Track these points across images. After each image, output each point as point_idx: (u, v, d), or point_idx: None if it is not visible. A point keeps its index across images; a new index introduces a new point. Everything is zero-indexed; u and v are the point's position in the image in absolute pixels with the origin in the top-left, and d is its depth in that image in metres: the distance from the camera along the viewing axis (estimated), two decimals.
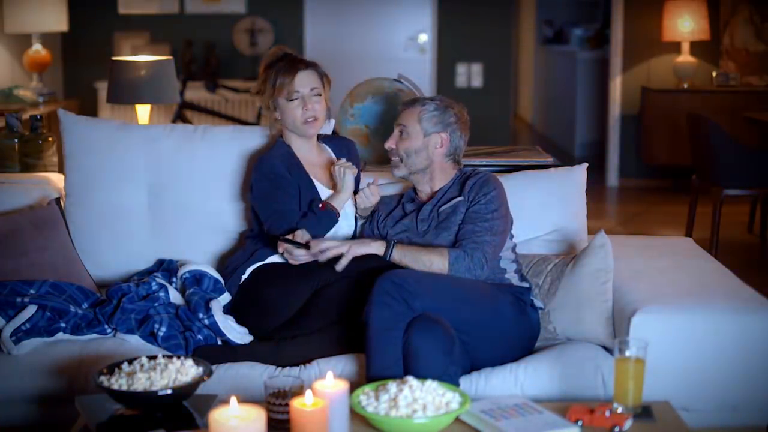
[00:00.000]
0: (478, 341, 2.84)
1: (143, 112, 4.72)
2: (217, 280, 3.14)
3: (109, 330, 2.98)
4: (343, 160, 3.22)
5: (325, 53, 7.97)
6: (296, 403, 2.16)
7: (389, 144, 3.15)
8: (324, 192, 3.20)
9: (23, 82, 7.09)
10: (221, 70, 8.17)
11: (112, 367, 2.47)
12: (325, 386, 2.24)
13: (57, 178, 3.60)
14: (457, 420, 2.40)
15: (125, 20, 8.24)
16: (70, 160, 3.43)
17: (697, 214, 6.05)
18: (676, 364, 2.77)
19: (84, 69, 8.15)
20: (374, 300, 2.71)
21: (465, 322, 2.80)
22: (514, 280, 3.04)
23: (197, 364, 2.48)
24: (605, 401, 2.62)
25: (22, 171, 3.93)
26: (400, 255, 2.93)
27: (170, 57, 4.60)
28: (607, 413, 2.35)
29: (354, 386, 2.47)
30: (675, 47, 7.94)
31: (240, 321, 3.03)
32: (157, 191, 3.41)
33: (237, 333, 2.96)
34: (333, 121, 3.44)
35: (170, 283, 3.18)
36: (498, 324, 2.88)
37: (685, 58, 7.79)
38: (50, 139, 3.99)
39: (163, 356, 2.49)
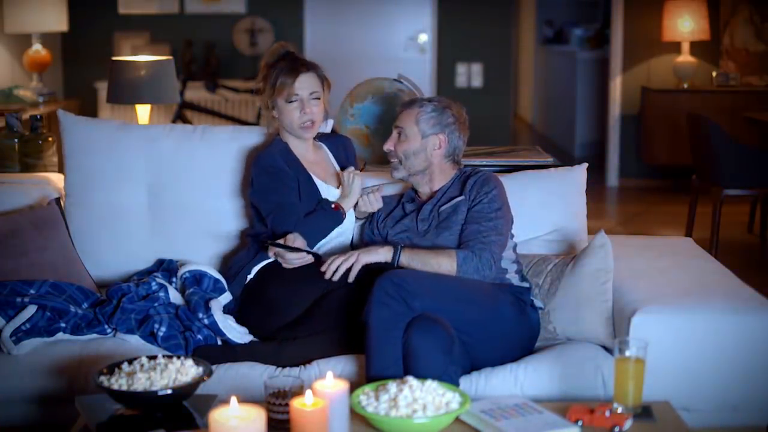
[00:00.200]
0: (478, 341, 2.84)
1: (143, 112, 4.72)
2: (217, 280, 3.14)
3: (109, 330, 2.98)
4: (352, 168, 3.25)
5: (325, 53, 7.96)
6: (296, 403, 2.16)
7: (388, 146, 3.15)
8: (322, 187, 3.20)
9: (23, 82, 7.09)
10: (221, 70, 8.17)
11: (112, 367, 2.47)
12: (325, 386, 2.24)
13: (57, 178, 3.60)
14: (457, 420, 2.39)
15: (125, 20, 8.23)
16: (70, 160, 3.44)
17: (697, 214, 6.04)
18: (676, 364, 2.77)
19: (84, 69, 8.15)
20: (374, 300, 2.71)
21: (465, 322, 2.79)
22: (515, 280, 3.03)
23: (197, 364, 2.48)
24: (605, 401, 2.61)
25: (22, 171, 3.93)
26: (408, 259, 2.92)
27: (170, 57, 4.59)
28: (607, 413, 2.35)
29: (354, 386, 2.47)
30: (675, 47, 7.94)
31: (243, 320, 3.03)
32: (156, 191, 3.41)
33: (237, 332, 2.96)
34: (332, 121, 3.44)
35: (170, 283, 3.18)
36: (498, 324, 2.87)
37: (685, 58, 7.78)
38: (50, 139, 3.99)
39: (163, 356, 2.49)
